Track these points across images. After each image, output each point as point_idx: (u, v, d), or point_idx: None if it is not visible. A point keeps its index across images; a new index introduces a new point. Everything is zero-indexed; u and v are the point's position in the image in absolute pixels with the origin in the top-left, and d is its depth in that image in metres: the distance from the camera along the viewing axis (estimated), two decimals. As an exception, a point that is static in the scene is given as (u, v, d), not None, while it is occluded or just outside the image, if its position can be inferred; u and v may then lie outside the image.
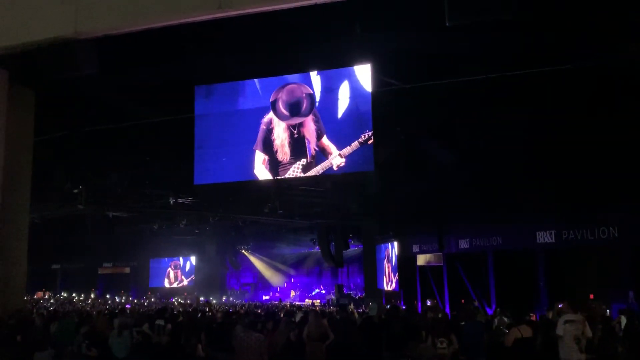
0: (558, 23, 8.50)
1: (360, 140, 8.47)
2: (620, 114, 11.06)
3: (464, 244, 17.59)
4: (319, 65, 9.96)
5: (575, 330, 7.41)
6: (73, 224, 24.56)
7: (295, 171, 8.66)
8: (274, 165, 8.85)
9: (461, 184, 15.28)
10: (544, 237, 14.43)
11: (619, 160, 11.83)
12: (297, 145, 8.61)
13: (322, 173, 8.50)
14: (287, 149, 8.70)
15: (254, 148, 9.00)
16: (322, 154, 8.55)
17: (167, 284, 36.34)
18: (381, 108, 9.75)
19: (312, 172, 8.52)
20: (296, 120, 8.93)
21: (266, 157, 8.95)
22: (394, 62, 10.02)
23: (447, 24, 5.66)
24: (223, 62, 10.01)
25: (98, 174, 18.13)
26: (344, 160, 8.43)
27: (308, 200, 22.28)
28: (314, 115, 8.83)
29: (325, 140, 8.59)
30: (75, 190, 18.30)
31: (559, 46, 9.21)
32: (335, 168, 8.52)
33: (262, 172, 9.13)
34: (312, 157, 8.57)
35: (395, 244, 21.65)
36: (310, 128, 8.66)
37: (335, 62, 9.86)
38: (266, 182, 10.64)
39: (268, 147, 8.86)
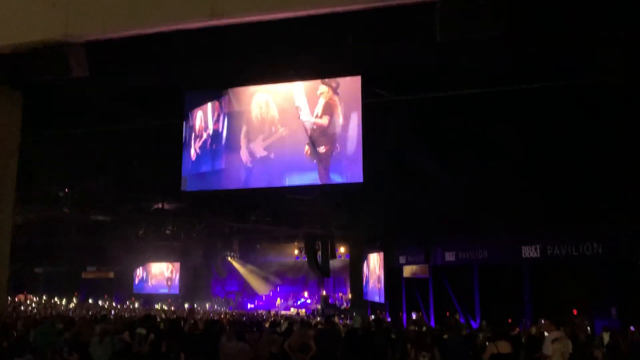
0: (548, 41, 8.60)
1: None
2: (607, 132, 11.18)
3: (450, 257, 17.62)
4: (309, 75, 10.01)
5: (563, 347, 7.48)
6: (58, 226, 24.27)
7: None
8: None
9: (449, 197, 15.34)
10: (530, 251, 14.50)
11: (604, 178, 11.96)
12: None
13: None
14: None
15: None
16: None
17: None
18: (371, 119, 9.80)
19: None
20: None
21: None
22: (384, 74, 10.08)
23: (437, 40, 5.70)
24: (213, 69, 10.01)
25: (84, 177, 17.96)
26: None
27: (296, 209, 22.25)
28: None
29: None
30: (61, 194, 18.13)
31: (549, 63, 9.31)
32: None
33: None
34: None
35: (376, 255, 21.66)
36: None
37: (326, 73, 9.90)
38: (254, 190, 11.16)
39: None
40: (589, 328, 11.68)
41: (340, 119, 9.71)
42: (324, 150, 9.74)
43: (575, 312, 13.00)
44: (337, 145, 9.63)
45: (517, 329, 12.26)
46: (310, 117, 9.89)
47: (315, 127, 9.83)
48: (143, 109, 11.90)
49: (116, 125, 12.55)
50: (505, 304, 14.74)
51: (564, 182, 12.83)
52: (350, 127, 9.57)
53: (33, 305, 26.57)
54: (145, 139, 13.49)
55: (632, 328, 10.59)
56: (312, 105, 9.92)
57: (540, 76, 9.48)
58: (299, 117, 9.92)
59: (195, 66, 9.85)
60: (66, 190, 18.00)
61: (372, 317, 16.88)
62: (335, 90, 9.77)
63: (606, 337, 9.97)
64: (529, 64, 9.33)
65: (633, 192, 11.54)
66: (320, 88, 9.92)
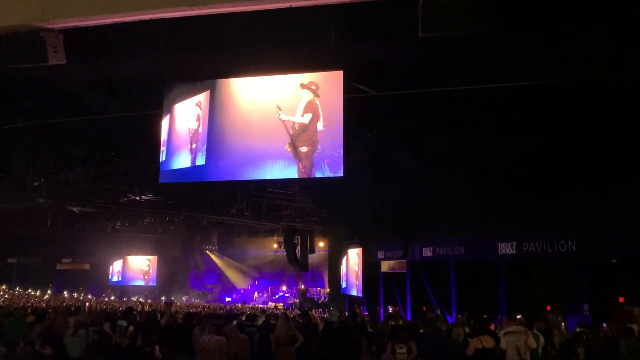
0: (530, 39, 8.67)
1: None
2: (585, 130, 11.34)
3: (427, 252, 17.78)
4: (290, 69, 9.95)
5: (516, 341, 7.61)
6: (32, 217, 23.86)
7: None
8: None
9: (427, 193, 15.45)
10: (506, 248, 14.70)
11: (580, 177, 12.15)
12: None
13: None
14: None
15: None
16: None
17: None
18: (352, 114, 9.78)
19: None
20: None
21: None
22: (366, 69, 10.06)
23: (420, 35, 5.69)
24: (193, 59, 9.89)
25: (61, 167, 17.66)
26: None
27: (276, 203, 22.22)
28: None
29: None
30: (36, 183, 17.78)
31: (529, 61, 9.39)
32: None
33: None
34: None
35: (355, 250, 21.74)
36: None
37: (308, 67, 9.85)
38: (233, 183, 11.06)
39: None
40: (562, 324, 11.89)
41: (321, 119, 9.67)
42: (305, 150, 9.71)
43: (549, 308, 13.22)
44: (319, 145, 9.60)
45: (492, 325, 12.43)
46: (290, 116, 9.83)
47: (296, 126, 9.79)
48: (121, 99, 11.71)
49: (93, 115, 12.33)
50: (481, 299, 14.93)
51: (541, 181, 13.00)
52: (332, 126, 9.52)
53: (6, 296, 26.12)
54: (123, 129, 13.29)
55: (604, 325, 10.80)
56: (293, 105, 9.84)
57: (520, 74, 9.56)
58: (279, 117, 9.87)
59: (174, 57, 9.71)
60: (41, 180, 17.63)
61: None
62: (315, 93, 9.73)
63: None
64: (511, 61, 9.39)
65: (608, 191, 11.75)
66: (301, 92, 9.85)
